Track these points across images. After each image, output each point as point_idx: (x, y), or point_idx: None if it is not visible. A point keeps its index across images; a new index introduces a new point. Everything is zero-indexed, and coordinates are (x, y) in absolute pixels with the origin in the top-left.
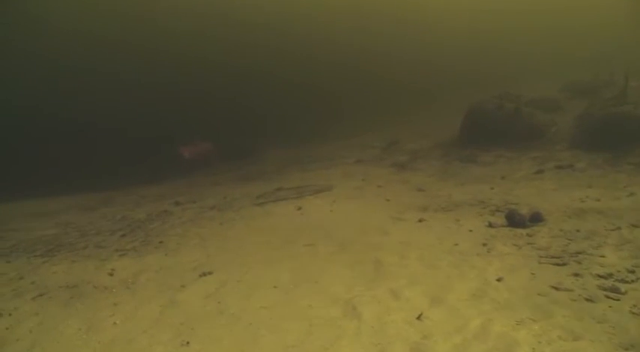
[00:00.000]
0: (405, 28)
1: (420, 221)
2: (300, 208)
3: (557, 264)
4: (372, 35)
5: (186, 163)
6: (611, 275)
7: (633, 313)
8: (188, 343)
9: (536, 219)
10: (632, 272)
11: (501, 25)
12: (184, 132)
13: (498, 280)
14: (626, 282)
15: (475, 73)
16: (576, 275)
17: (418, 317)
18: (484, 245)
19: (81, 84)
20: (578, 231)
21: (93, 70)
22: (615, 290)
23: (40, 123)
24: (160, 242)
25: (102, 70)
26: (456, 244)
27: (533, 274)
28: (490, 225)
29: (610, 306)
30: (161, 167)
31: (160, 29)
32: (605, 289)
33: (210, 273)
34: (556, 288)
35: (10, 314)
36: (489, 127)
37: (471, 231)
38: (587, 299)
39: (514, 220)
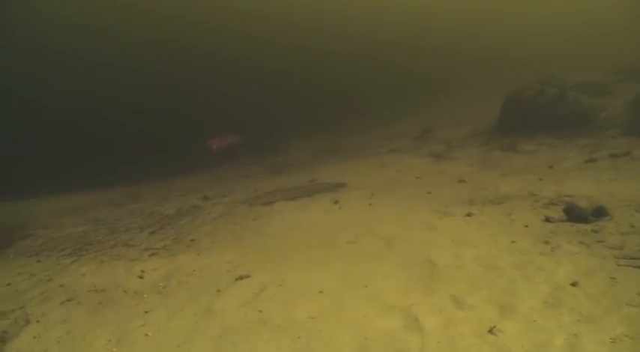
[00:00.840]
0: (425, 18)
1: (469, 215)
2: (336, 202)
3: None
4: (393, 26)
5: (213, 156)
6: None
7: None
8: None
9: (600, 213)
10: None
11: (525, 10)
12: (210, 125)
13: (573, 285)
14: None
15: (500, 60)
16: None
17: (490, 331)
18: (546, 243)
19: (108, 80)
20: None
21: (123, 67)
22: None
23: (68, 120)
24: (192, 240)
25: (131, 67)
26: (513, 241)
27: (612, 279)
28: (547, 220)
29: None
30: (187, 160)
31: (186, 27)
32: None
33: (247, 276)
34: None
35: (38, 321)
36: (530, 114)
37: (526, 226)
38: None
39: (574, 214)
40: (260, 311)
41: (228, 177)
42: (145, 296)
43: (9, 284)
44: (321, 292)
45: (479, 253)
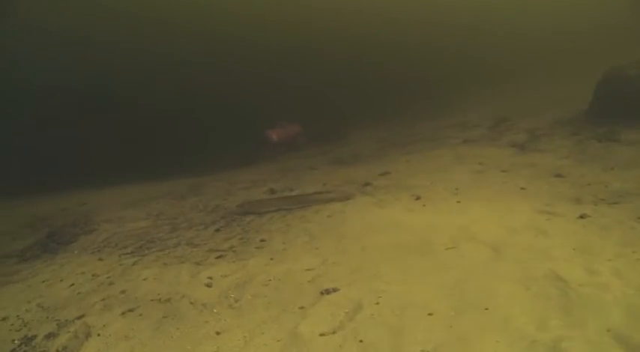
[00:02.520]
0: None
1: (582, 217)
2: (418, 198)
3: None
4: (458, 9)
5: (273, 147)
6: None
7: None
8: None
9: None
10: None
11: None
12: (270, 115)
13: None
14: None
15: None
16: None
17: None
18: None
19: (175, 74)
20: None
21: (186, 60)
22: None
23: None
24: (262, 240)
25: (194, 60)
26: None
27: None
28: None
29: None
30: (248, 150)
31: (248, 18)
32: None
33: (335, 290)
34: None
35: (98, 334)
36: (633, 98)
37: None
38: None
39: None
40: (360, 341)
41: (293, 169)
42: (214, 310)
43: (72, 284)
44: (430, 314)
45: (618, 268)
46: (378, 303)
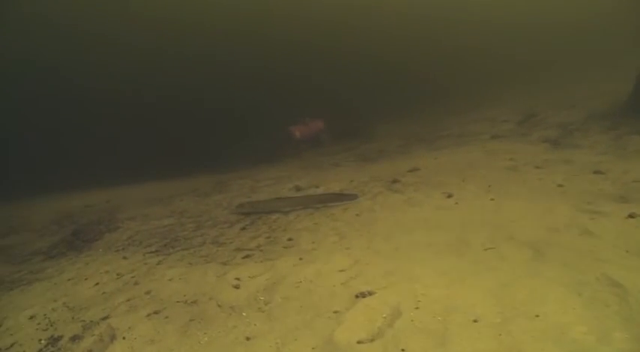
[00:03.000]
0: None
1: (632, 216)
2: (450, 196)
3: None
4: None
5: (296, 143)
6: None
7: None
8: None
9: None
10: None
11: None
12: (293, 111)
13: None
14: None
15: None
16: None
17: None
18: None
19: (197, 70)
20: None
21: (213, 58)
22: None
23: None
24: (289, 239)
25: (220, 58)
26: None
27: None
28: None
29: None
30: (271, 147)
31: (272, 19)
32: None
33: (370, 293)
34: None
35: (124, 338)
36: None
37: None
38: None
39: None
40: (402, 350)
41: (317, 166)
42: (243, 314)
43: (97, 284)
44: (475, 321)
45: None
46: (417, 308)
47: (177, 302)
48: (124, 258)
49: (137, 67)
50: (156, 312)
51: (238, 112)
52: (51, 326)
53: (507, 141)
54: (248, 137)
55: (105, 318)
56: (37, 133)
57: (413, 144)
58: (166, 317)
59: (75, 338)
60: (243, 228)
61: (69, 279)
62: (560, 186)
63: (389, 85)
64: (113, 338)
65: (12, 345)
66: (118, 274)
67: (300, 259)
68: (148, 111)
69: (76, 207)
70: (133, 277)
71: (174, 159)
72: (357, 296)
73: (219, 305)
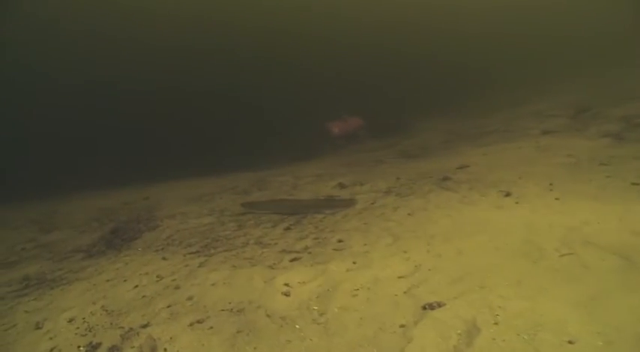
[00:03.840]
0: None
1: None
2: (508, 194)
3: None
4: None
5: (334, 140)
6: None
7: None
8: None
9: None
10: None
11: None
12: (332, 107)
13: None
14: None
15: None
16: None
17: None
18: None
19: (239, 67)
20: None
21: (254, 55)
22: None
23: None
24: (339, 241)
25: (261, 55)
26: None
27: None
28: None
29: None
30: (309, 143)
31: (314, 16)
32: None
33: (440, 305)
34: None
35: (165, 350)
36: None
37: None
38: None
39: None
40: None
41: (358, 163)
42: (297, 326)
43: (136, 286)
44: (570, 342)
45: None
46: (496, 323)
47: (222, 310)
48: (164, 258)
49: (182, 67)
50: (199, 321)
51: (274, 109)
52: (89, 331)
53: (562, 137)
54: (282, 134)
55: (145, 326)
56: (78, 130)
57: (457, 140)
58: (211, 328)
59: (113, 349)
60: (288, 228)
61: (108, 280)
62: (634, 184)
63: (428, 81)
64: (154, 350)
65: (51, 350)
66: (157, 276)
67: (354, 263)
68: (184, 108)
69: (115, 203)
70: (173, 280)
71: (210, 157)
72: (424, 308)
73: (268, 315)
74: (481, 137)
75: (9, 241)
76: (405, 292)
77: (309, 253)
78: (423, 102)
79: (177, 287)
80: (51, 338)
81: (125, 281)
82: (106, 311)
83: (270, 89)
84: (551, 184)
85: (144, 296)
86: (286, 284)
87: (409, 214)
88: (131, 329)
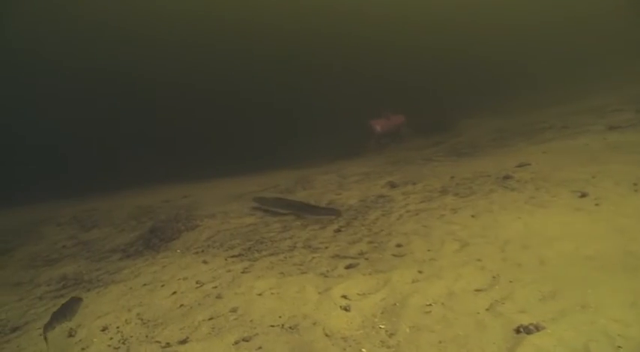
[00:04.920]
0: None
1: None
2: (584, 195)
3: None
4: None
5: (377, 138)
6: None
7: None
8: None
9: None
10: None
11: None
12: (377, 105)
13: None
14: None
15: None
16: None
17: None
18: None
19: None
20: None
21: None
22: None
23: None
24: (398, 245)
25: (302, 58)
26: None
27: None
28: None
29: None
30: (352, 141)
31: (357, 20)
32: None
33: (537, 329)
34: None
35: None
36: None
37: None
38: None
39: None
40: None
41: (405, 161)
42: (363, 350)
43: (174, 293)
44: None
45: None
46: (620, 348)
47: (272, 325)
48: (204, 262)
49: (223, 68)
50: (245, 339)
51: (318, 108)
52: (123, 343)
53: (632, 132)
54: (325, 133)
55: (183, 342)
56: (122, 130)
57: (508, 138)
58: (259, 349)
59: None
60: (338, 230)
61: (144, 284)
62: None
63: (473, 79)
64: None
65: None
66: (197, 282)
67: (420, 272)
68: (224, 107)
69: (154, 202)
70: (214, 287)
71: (248, 154)
72: (517, 332)
73: (327, 335)
74: (535, 134)
75: (53, 237)
76: (487, 309)
77: (366, 259)
78: (468, 100)
79: (218, 296)
80: (83, 349)
81: (162, 286)
82: (142, 320)
83: (314, 90)
84: (635, 184)
85: (182, 305)
86: (344, 297)
87: (472, 216)
88: (168, 344)
